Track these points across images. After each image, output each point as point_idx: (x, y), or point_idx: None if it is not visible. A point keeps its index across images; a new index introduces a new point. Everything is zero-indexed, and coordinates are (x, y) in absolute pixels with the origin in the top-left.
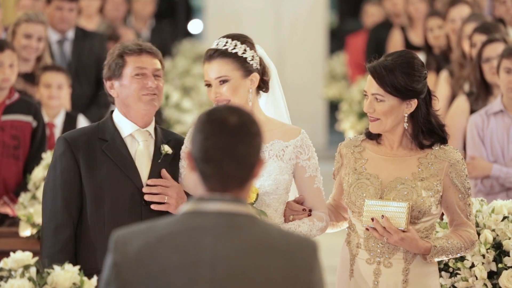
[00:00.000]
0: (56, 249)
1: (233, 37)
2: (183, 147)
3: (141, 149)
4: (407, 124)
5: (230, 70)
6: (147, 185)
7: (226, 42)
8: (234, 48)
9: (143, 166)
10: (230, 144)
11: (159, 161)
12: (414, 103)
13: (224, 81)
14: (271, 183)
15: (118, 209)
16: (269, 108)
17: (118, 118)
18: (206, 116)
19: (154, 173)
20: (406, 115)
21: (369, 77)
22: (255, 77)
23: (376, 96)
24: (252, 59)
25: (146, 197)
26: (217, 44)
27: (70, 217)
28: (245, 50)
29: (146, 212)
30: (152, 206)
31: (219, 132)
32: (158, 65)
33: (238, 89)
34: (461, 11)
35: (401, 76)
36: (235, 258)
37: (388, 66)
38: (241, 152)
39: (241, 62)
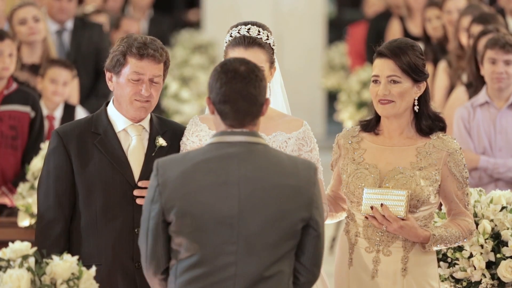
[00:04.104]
0: (46, 245)
1: (262, 26)
2: (183, 139)
3: (134, 144)
4: (417, 108)
5: (264, 61)
6: (138, 186)
7: (259, 32)
8: (267, 39)
9: (136, 161)
10: (243, 87)
11: (153, 154)
12: (423, 86)
13: None
14: None
15: (110, 205)
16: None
17: (112, 111)
18: (220, 67)
19: (148, 167)
20: (416, 98)
21: (380, 61)
22: (274, 68)
23: (393, 78)
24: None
25: (138, 201)
26: (248, 31)
27: (62, 213)
28: (274, 41)
29: (138, 209)
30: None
31: (233, 79)
32: (158, 71)
33: (266, 79)
34: (457, 2)
35: (414, 57)
36: (256, 177)
37: (401, 47)
38: (252, 93)
39: (271, 54)
